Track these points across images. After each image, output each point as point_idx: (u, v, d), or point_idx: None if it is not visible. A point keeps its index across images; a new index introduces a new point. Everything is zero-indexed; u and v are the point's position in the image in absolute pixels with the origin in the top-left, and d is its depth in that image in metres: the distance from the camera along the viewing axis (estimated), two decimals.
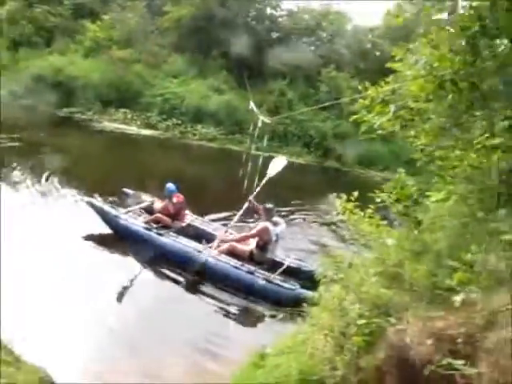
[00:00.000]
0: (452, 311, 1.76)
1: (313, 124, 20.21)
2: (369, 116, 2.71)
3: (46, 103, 18.86)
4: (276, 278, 7.09)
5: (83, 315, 6.04)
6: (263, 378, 3.62)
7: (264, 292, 6.96)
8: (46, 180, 11.30)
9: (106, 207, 8.45)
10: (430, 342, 1.71)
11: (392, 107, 2.72)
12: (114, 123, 18.44)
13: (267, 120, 10.15)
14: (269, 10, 24.08)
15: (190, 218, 8.85)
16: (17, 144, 13.89)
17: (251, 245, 7.69)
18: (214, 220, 9.52)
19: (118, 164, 14.35)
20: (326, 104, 14.20)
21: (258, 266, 7.39)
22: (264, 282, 6.97)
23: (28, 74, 19.61)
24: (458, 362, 1.56)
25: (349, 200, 3.83)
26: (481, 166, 2.13)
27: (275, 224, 7.60)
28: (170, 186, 8.63)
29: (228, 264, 7.26)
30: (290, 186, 13.85)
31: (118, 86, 19.54)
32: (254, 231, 7.62)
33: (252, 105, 14.54)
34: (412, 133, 2.63)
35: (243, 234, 7.79)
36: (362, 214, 3.72)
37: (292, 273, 7.48)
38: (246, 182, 10.38)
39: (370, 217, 3.59)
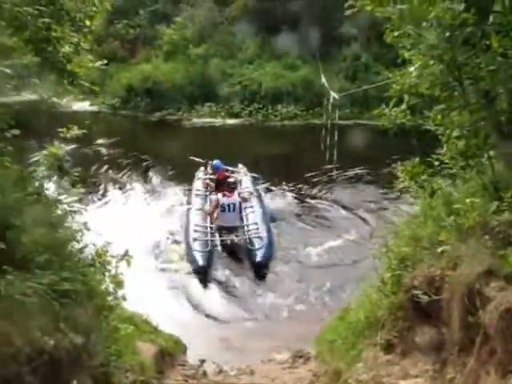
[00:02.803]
0: (439, 259, 2.44)
1: (385, 78, 19.91)
2: (386, 110, 3.34)
3: (139, 110, 20.92)
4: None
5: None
6: (344, 327, 4.47)
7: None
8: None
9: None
10: (421, 281, 2.43)
11: (406, 97, 3.32)
12: (202, 118, 19.85)
13: (336, 96, 10.72)
14: None
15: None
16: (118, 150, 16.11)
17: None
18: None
19: (208, 153, 16.00)
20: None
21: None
22: None
23: (120, 87, 21.71)
24: (419, 292, 2.28)
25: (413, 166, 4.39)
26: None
27: (226, 196, 9.15)
28: (216, 162, 10.95)
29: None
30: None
31: (200, 83, 20.85)
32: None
33: (323, 80, 15.00)
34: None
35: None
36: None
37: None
38: (327, 151, 11.56)
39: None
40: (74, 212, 3.41)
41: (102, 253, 2.95)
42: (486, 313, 1.95)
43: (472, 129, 2.38)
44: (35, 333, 1.91)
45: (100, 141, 17.17)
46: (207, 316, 7.62)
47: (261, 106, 19.77)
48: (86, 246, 2.99)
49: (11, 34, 3.10)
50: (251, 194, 10.38)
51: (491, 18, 2.04)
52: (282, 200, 11.99)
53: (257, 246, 8.57)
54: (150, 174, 14.18)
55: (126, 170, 14.36)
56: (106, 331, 2.87)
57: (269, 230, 9.19)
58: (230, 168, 11.39)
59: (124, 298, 3.14)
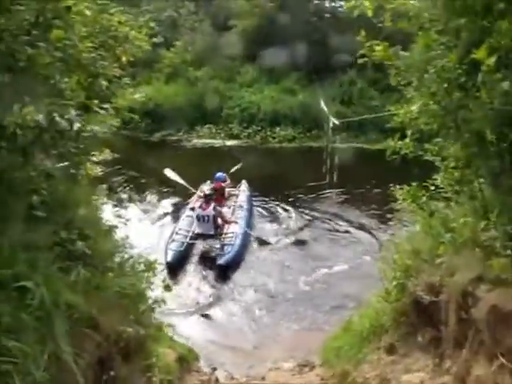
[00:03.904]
0: (438, 269, 2.94)
1: (386, 109, 20.62)
2: (391, 143, 3.87)
3: (140, 131, 21.39)
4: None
5: None
6: (349, 335, 4.92)
7: None
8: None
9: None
10: (423, 287, 2.92)
11: (408, 132, 3.85)
12: (202, 139, 20.41)
13: (336, 122, 11.28)
14: (327, 3, 24.82)
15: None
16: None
17: None
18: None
19: (208, 172, 16.43)
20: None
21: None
22: None
23: (121, 108, 22.18)
24: (421, 293, 2.77)
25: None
26: None
27: (201, 208, 10.13)
28: (218, 174, 12.19)
29: None
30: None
31: (200, 105, 21.47)
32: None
33: (322, 105, 15.61)
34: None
35: None
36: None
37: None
38: (326, 172, 12.02)
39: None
40: (116, 227, 3.87)
41: (153, 262, 3.41)
42: (477, 310, 2.43)
43: (466, 161, 2.90)
44: (115, 322, 2.36)
45: (99, 158, 17.50)
46: (212, 328, 8.03)
47: (259, 128, 20.38)
48: (131, 257, 3.44)
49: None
50: (241, 207, 11.51)
51: (479, 77, 2.55)
52: (280, 219, 12.49)
53: (224, 252, 9.66)
54: (147, 191, 14.70)
55: (123, 187, 14.78)
56: (152, 330, 3.31)
57: (243, 241, 10.17)
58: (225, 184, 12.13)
59: (164, 302, 3.58)
